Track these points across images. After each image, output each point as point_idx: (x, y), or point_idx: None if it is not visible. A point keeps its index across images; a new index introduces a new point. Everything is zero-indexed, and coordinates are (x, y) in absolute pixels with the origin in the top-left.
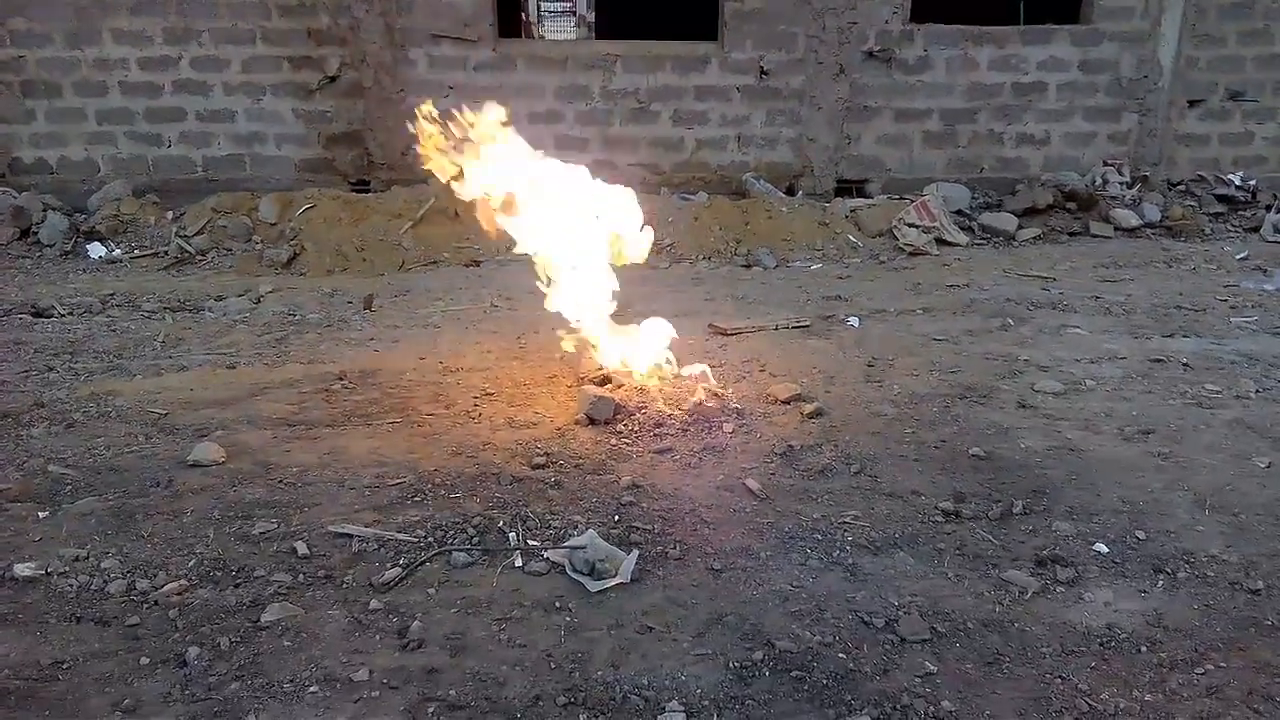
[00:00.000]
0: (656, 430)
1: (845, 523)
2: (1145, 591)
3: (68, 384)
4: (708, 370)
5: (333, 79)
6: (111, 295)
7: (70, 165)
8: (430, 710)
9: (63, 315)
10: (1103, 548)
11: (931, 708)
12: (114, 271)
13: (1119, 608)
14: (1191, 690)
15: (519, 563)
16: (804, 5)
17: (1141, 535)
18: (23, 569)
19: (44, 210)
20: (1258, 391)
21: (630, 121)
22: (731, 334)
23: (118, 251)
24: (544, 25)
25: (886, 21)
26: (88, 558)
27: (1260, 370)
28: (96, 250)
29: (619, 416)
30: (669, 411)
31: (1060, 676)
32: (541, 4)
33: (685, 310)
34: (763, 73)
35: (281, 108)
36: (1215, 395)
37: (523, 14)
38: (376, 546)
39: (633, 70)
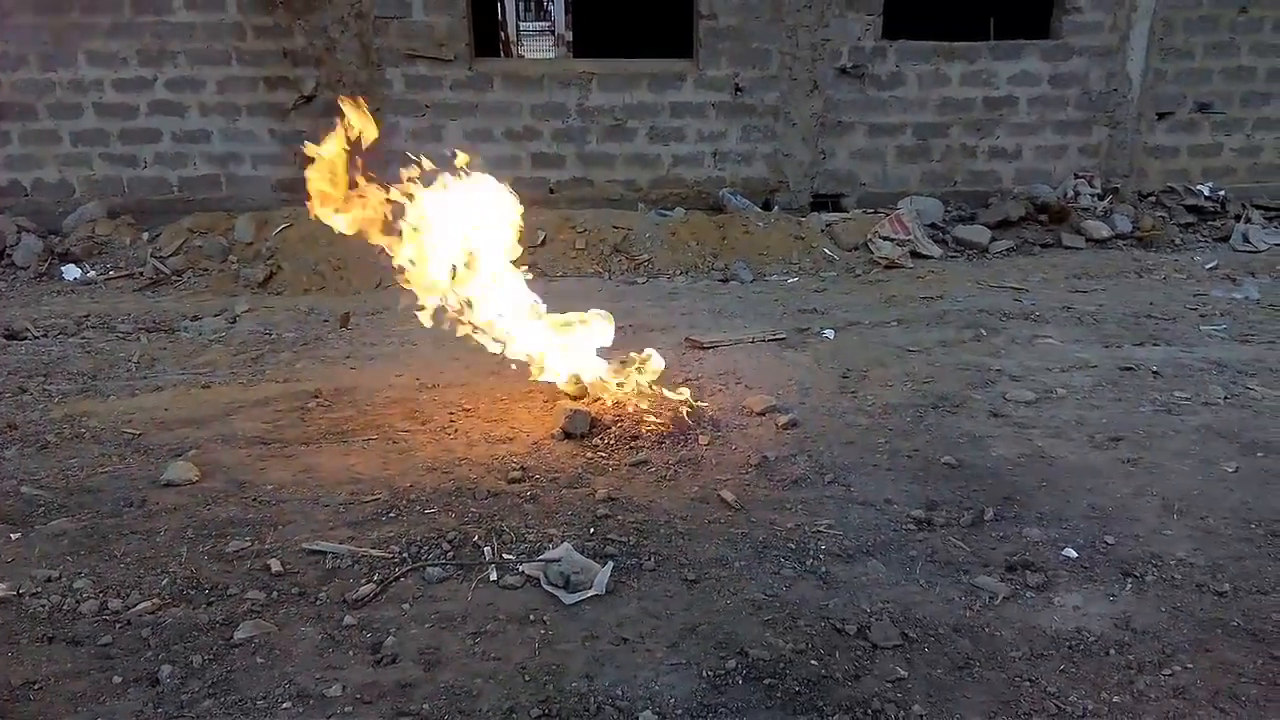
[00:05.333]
0: (632, 443)
1: (819, 532)
2: (1114, 595)
3: (41, 405)
4: (688, 394)
5: (309, 99)
6: (86, 316)
7: (45, 187)
8: None
9: (37, 337)
10: (1072, 553)
11: (902, 712)
12: (89, 293)
13: (1088, 611)
14: (1159, 691)
15: (494, 577)
16: (777, 22)
17: (1110, 540)
18: None
19: (18, 232)
20: (1226, 398)
21: (607, 139)
22: (708, 347)
23: (93, 273)
24: (523, 45)
25: (859, 38)
26: (60, 578)
27: (1229, 377)
28: (71, 272)
29: (595, 430)
30: (645, 425)
31: (1029, 679)
32: (520, 24)
33: (662, 324)
34: (738, 89)
35: (257, 128)
36: (1184, 402)
37: (502, 33)
38: (350, 563)
39: (609, 88)
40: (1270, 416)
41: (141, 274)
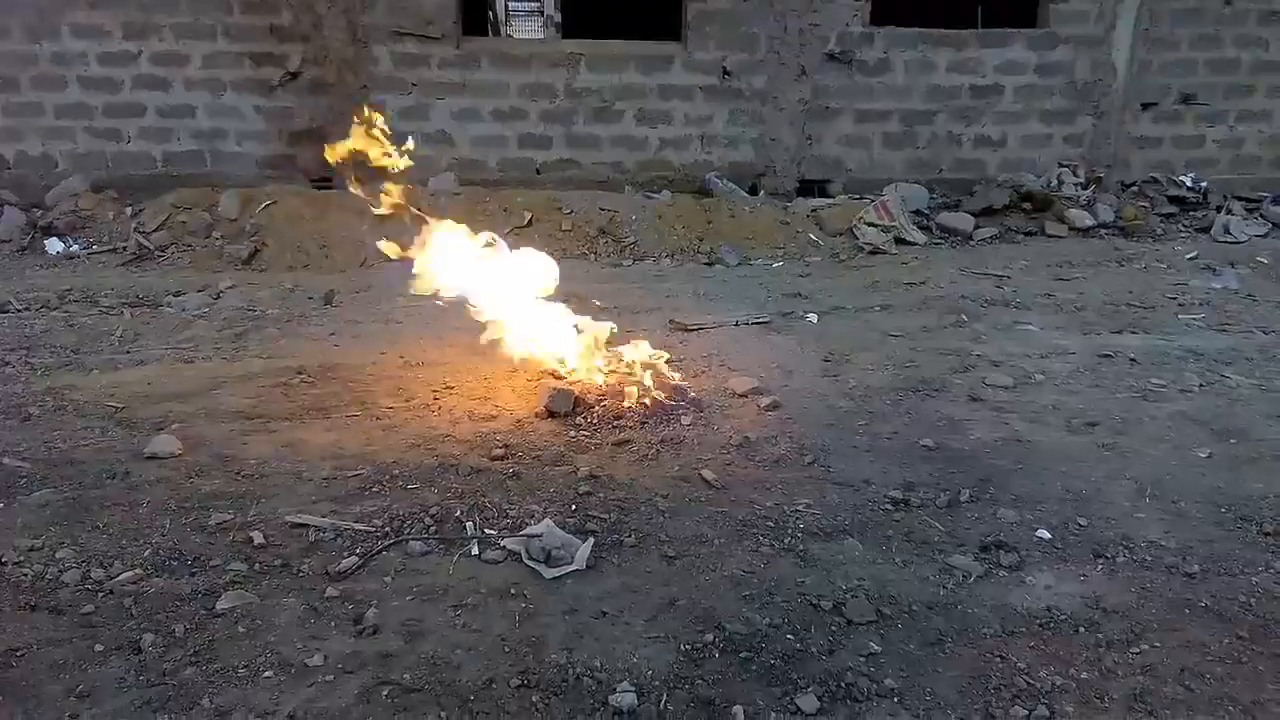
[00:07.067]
0: (616, 423)
1: (798, 511)
2: (1085, 575)
3: (24, 379)
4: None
5: (294, 75)
6: (69, 290)
7: (28, 160)
8: (384, 693)
9: (19, 311)
10: (1045, 534)
11: (875, 685)
12: (72, 267)
13: (1059, 591)
14: (1126, 668)
15: (475, 551)
16: (766, 7)
17: (1083, 522)
18: None
19: (1, 205)
20: (1201, 385)
21: (594, 120)
22: (692, 329)
23: (76, 247)
24: (511, 25)
25: (847, 24)
26: (43, 548)
27: (1205, 365)
28: (54, 246)
29: (579, 409)
30: (628, 404)
31: (1000, 656)
32: (509, 3)
33: (648, 306)
34: (725, 73)
35: (243, 104)
36: (1160, 389)
37: (491, 13)
38: (333, 536)
39: (597, 69)
40: (1245, 404)
41: (125, 249)
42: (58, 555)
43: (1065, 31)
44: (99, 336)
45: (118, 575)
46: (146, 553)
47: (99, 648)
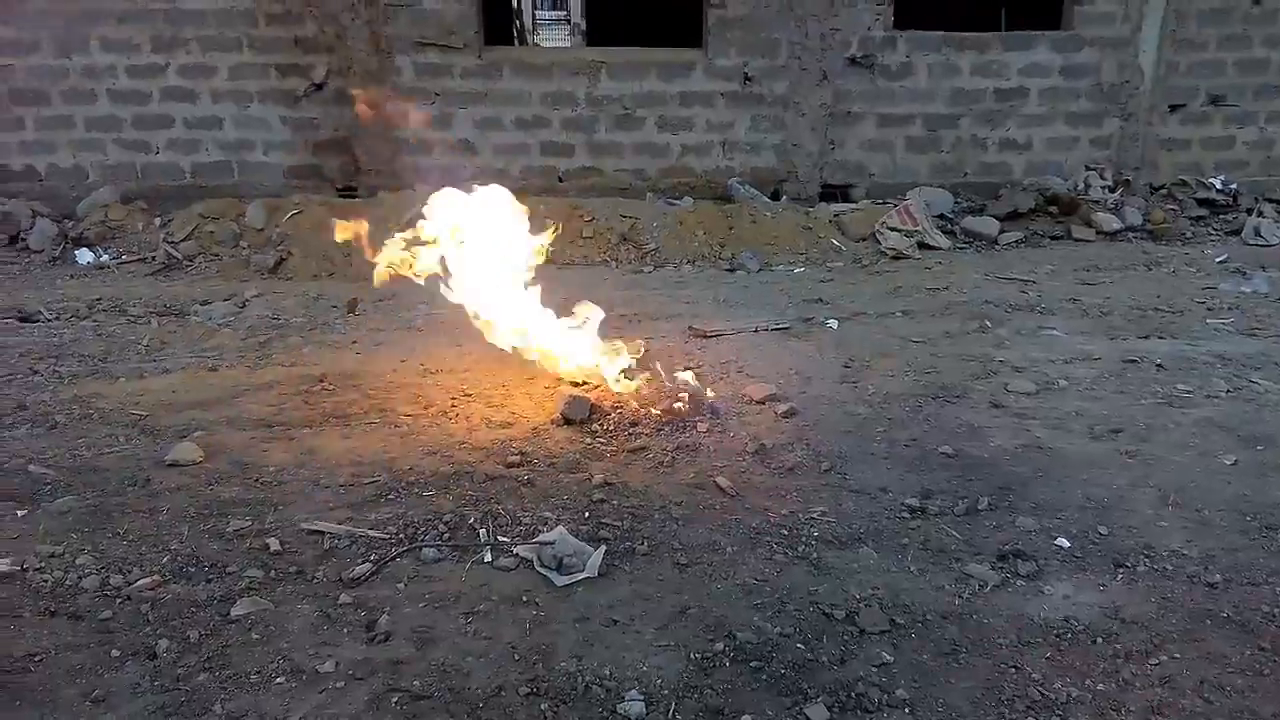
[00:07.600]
0: (631, 430)
1: (812, 519)
2: (1104, 585)
3: (51, 387)
4: (690, 378)
5: (319, 86)
6: (98, 300)
7: (59, 172)
8: (394, 700)
9: (49, 320)
10: (1064, 542)
11: (886, 696)
12: (102, 277)
13: (1077, 600)
14: (1144, 680)
15: (488, 558)
16: (787, 12)
17: (1104, 530)
18: None
19: (33, 216)
20: (1229, 391)
21: (616, 127)
22: (711, 336)
23: (106, 257)
24: (539, 33)
25: (869, 28)
26: (63, 554)
27: (1232, 370)
28: (85, 256)
29: (595, 416)
30: (645, 411)
31: (1015, 666)
32: (536, 12)
33: (667, 313)
34: (747, 79)
35: (269, 115)
36: (1186, 395)
37: (517, 21)
38: (348, 543)
39: (618, 77)
40: (1272, 410)
41: (154, 259)
42: (78, 561)
43: (1090, 33)
44: (126, 345)
45: (136, 581)
46: (165, 559)
47: (115, 653)
